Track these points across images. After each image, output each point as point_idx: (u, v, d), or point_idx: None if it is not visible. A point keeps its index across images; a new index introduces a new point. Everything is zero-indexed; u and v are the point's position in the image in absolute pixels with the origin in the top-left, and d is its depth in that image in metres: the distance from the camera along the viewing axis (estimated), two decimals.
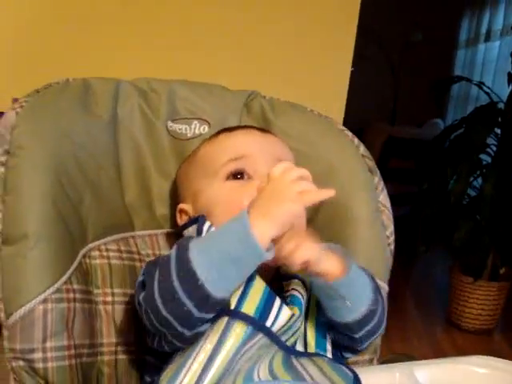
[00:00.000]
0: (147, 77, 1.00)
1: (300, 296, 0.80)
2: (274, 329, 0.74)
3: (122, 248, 0.93)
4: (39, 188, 0.78)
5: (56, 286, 0.76)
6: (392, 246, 0.97)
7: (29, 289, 0.75)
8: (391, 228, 0.98)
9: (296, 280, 0.83)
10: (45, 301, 0.75)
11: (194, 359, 0.70)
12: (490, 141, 2.80)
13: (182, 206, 0.91)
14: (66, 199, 0.82)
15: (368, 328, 0.80)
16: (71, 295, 0.79)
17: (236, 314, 0.71)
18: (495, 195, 2.65)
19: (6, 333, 0.75)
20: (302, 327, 0.82)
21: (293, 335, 0.78)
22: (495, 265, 2.83)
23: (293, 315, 0.75)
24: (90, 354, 0.81)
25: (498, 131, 2.82)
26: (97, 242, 0.88)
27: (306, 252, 0.73)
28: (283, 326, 0.75)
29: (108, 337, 0.85)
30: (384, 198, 0.98)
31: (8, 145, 0.80)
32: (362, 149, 1.00)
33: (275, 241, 0.71)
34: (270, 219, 0.69)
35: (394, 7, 5.03)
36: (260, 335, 0.72)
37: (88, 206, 0.87)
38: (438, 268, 3.83)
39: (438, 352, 2.65)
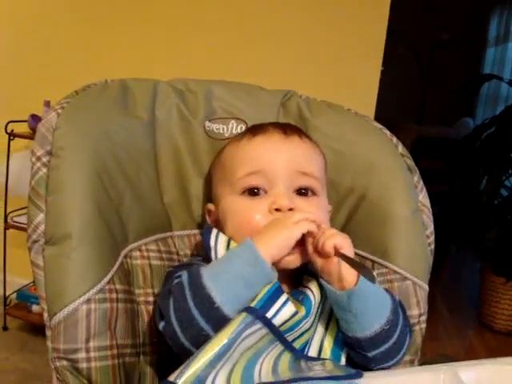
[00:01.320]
0: (184, 77, 1.00)
1: (312, 297, 0.80)
2: (276, 322, 0.73)
3: (162, 248, 0.93)
4: (81, 188, 0.79)
5: (99, 286, 0.77)
6: (432, 246, 0.96)
7: (72, 289, 0.75)
8: (431, 227, 0.96)
9: (316, 282, 0.83)
10: (88, 301, 0.75)
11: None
12: None
13: (209, 205, 0.93)
14: (107, 199, 0.82)
15: (382, 349, 0.78)
16: (114, 295, 0.79)
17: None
18: None
19: (49, 333, 0.76)
20: (319, 334, 0.81)
21: (300, 336, 0.78)
22: None
23: (296, 312, 0.75)
24: (132, 353, 0.82)
25: None
26: (137, 243, 0.89)
27: (337, 238, 0.77)
28: (286, 322, 0.74)
29: (149, 337, 0.85)
30: (424, 197, 0.97)
31: (50, 146, 0.81)
32: (401, 147, 0.98)
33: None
34: (270, 244, 0.75)
35: (423, 7, 4.98)
36: (259, 324, 0.71)
37: (128, 207, 0.87)
38: (469, 268, 3.79)
39: (469, 353, 2.62)
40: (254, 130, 0.90)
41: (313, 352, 0.80)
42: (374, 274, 0.75)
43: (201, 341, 0.69)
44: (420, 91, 5.38)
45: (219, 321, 0.70)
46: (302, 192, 0.86)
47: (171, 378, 0.66)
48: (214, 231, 0.84)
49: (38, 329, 2.44)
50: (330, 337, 0.82)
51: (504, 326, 2.85)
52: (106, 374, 0.77)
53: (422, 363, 0.92)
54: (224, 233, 0.85)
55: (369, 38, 2.15)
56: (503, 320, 2.84)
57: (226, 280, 0.72)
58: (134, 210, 0.88)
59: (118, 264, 0.82)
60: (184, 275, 0.75)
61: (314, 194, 0.87)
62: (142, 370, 0.84)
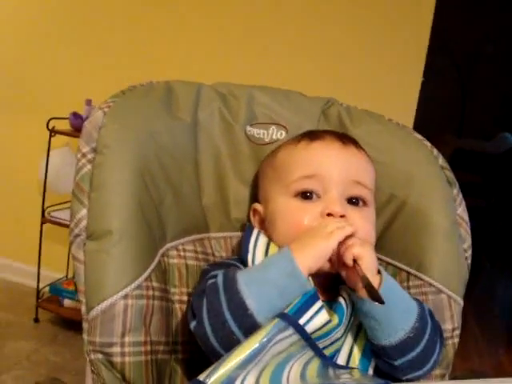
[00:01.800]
0: (227, 82, 1.01)
1: (345, 306, 0.79)
2: (308, 329, 0.73)
3: (198, 249, 0.94)
4: (124, 186, 0.80)
5: (137, 282, 0.78)
6: (469, 260, 0.95)
7: (111, 284, 0.76)
8: (469, 242, 0.95)
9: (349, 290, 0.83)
10: (126, 296, 0.77)
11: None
12: None
13: (256, 205, 0.94)
14: (148, 198, 0.84)
15: (409, 358, 0.77)
16: (150, 292, 0.80)
17: None
18: None
19: (86, 325, 0.77)
20: (349, 343, 0.81)
21: (332, 345, 0.78)
22: None
23: (329, 321, 0.75)
24: (164, 351, 0.83)
25: None
26: (175, 242, 0.90)
27: (356, 248, 0.77)
28: (318, 330, 0.74)
29: (182, 335, 0.86)
30: (462, 210, 0.96)
31: (95, 143, 0.82)
32: (441, 160, 0.98)
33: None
34: (307, 255, 0.75)
35: (466, 18, 4.92)
36: (290, 330, 0.72)
37: (168, 207, 0.88)
38: (503, 285, 3.71)
39: (499, 372, 2.58)
40: (312, 136, 0.91)
41: (341, 360, 0.80)
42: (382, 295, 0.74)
43: (231, 344, 0.70)
44: (460, 104, 5.31)
45: (251, 327, 0.71)
46: (353, 201, 0.86)
47: (201, 378, 0.66)
48: (255, 232, 0.86)
49: (68, 323, 2.48)
50: (359, 346, 0.82)
51: None
52: (138, 369, 0.78)
53: (453, 378, 0.91)
54: (271, 234, 0.87)
55: (410, 49, 2.14)
56: None
57: (261, 288, 0.73)
58: (173, 211, 0.89)
59: (155, 262, 0.83)
60: (220, 277, 0.76)
61: (364, 204, 0.87)
62: (173, 367, 0.85)
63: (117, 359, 0.77)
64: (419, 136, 1.00)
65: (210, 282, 0.77)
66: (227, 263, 0.86)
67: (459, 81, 5.22)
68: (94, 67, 2.60)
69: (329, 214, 0.82)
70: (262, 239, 0.85)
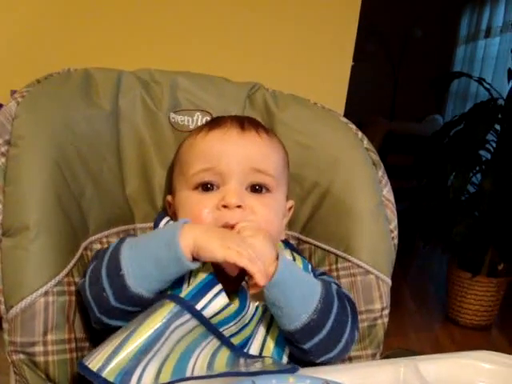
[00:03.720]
0: (149, 68, 0.98)
1: (248, 292, 0.78)
2: (207, 313, 0.73)
3: None
4: (40, 179, 0.77)
5: (57, 278, 0.76)
6: (396, 240, 0.96)
7: (30, 281, 0.74)
8: (395, 222, 0.97)
9: None
10: (46, 293, 0.74)
11: (117, 335, 0.69)
12: (490, 137, 2.80)
13: (168, 197, 0.94)
14: (67, 190, 0.81)
15: (316, 341, 0.77)
16: (72, 288, 0.78)
17: (166, 296, 0.73)
18: (494, 191, 2.65)
19: (6, 326, 0.75)
20: (262, 332, 0.80)
21: (240, 332, 0.77)
22: (493, 261, 2.83)
23: (229, 304, 0.74)
24: (91, 347, 0.81)
25: (498, 127, 2.82)
26: (98, 235, 0.88)
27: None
28: (218, 313, 0.73)
29: (109, 330, 0.84)
30: (388, 191, 0.97)
31: (9, 135, 0.79)
32: (366, 142, 0.99)
33: None
34: (198, 238, 0.72)
35: (395, 3, 5.01)
36: (187, 315, 0.71)
37: (89, 198, 0.86)
38: (436, 263, 3.84)
39: (436, 347, 2.66)
40: (211, 124, 0.90)
41: (254, 349, 0.79)
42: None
43: (102, 301, 0.72)
44: (391, 87, 5.42)
45: (121, 288, 0.71)
46: (256, 189, 0.85)
47: (93, 367, 0.64)
48: (166, 218, 0.86)
49: None
50: (272, 335, 0.81)
51: (469, 320, 2.89)
52: (63, 367, 0.76)
53: (384, 357, 0.92)
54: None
55: (339, 33, 2.15)
56: (469, 315, 2.89)
57: (139, 253, 0.73)
58: (95, 202, 0.87)
59: (77, 256, 0.81)
60: (113, 243, 0.78)
61: (268, 190, 0.86)
62: None
63: (40, 359, 0.75)
64: (344, 119, 1.00)
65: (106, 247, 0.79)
66: None
67: (390, 64, 5.32)
68: (16, 57, 2.50)
69: (225, 206, 0.81)
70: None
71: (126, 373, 0.65)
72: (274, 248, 0.78)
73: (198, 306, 0.72)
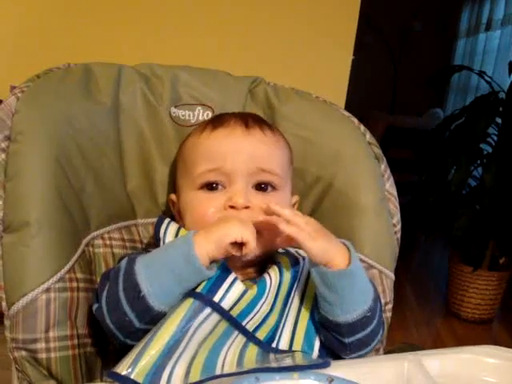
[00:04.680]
0: (150, 62, 0.98)
1: (268, 279, 0.78)
2: (226, 304, 0.73)
3: (125, 236, 0.92)
4: (40, 174, 0.77)
5: (59, 274, 0.75)
6: (398, 235, 0.96)
7: (31, 278, 0.74)
8: (398, 216, 0.96)
9: (276, 268, 0.81)
10: (48, 290, 0.74)
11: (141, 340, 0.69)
12: (491, 130, 2.79)
13: (172, 196, 0.92)
14: (68, 186, 0.81)
15: (360, 336, 0.77)
16: (74, 284, 0.78)
17: (186, 294, 0.72)
18: (495, 185, 2.64)
19: (7, 322, 0.75)
20: (290, 324, 0.80)
21: (263, 323, 0.77)
22: (494, 255, 2.83)
23: (246, 291, 0.74)
24: (94, 343, 0.80)
25: (499, 121, 2.81)
26: (100, 231, 0.87)
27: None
28: (237, 303, 0.73)
29: None
30: (390, 185, 0.97)
31: (9, 130, 0.79)
32: (368, 136, 0.98)
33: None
34: (209, 239, 0.73)
35: None
36: (207, 310, 0.71)
37: (90, 194, 0.85)
38: (438, 257, 3.83)
39: (437, 341, 2.66)
40: (215, 122, 0.89)
41: (284, 342, 0.78)
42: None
43: (125, 326, 0.71)
44: (392, 81, 5.41)
45: (143, 310, 0.70)
46: (262, 187, 0.85)
47: (121, 371, 0.65)
48: (166, 221, 0.84)
49: None
50: (301, 326, 0.80)
51: (471, 314, 2.89)
52: (66, 364, 0.76)
53: (388, 352, 0.92)
54: (183, 226, 0.85)
55: (340, 27, 2.14)
56: (470, 308, 2.88)
57: (156, 271, 0.72)
58: (96, 198, 0.86)
59: (79, 252, 0.80)
60: (124, 259, 0.75)
61: (273, 188, 0.86)
62: (104, 359, 0.83)
63: (42, 355, 0.75)
64: (346, 113, 1.00)
65: (116, 266, 0.76)
66: (141, 253, 0.83)
67: (390, 58, 5.31)
68: (16, 52, 2.49)
69: (232, 207, 0.81)
70: (173, 226, 0.83)
71: (155, 373, 0.65)
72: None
73: (216, 298, 0.72)
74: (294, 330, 0.80)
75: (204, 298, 0.71)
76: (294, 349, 0.78)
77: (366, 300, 0.77)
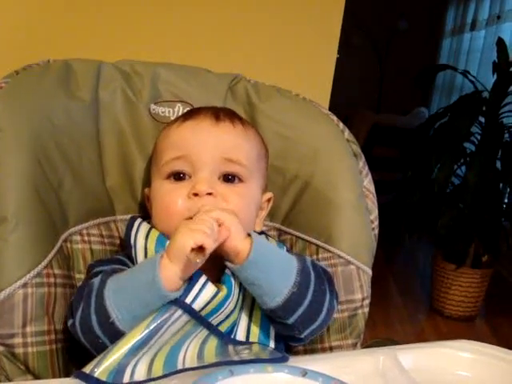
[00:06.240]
0: (130, 59, 0.98)
1: (232, 277, 0.78)
2: (197, 305, 0.73)
3: (104, 233, 0.92)
4: (18, 170, 0.77)
5: (36, 270, 0.75)
6: (376, 231, 0.96)
7: (8, 273, 0.74)
8: (375, 213, 0.97)
9: None
10: (25, 285, 0.74)
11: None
12: (474, 129, 2.82)
13: (146, 190, 0.93)
14: (45, 182, 0.81)
15: (300, 312, 0.76)
16: (52, 280, 0.78)
17: None
18: (479, 183, 2.66)
19: None
20: (245, 316, 0.81)
21: (227, 319, 0.78)
22: (478, 252, 2.85)
23: (217, 292, 0.74)
24: (71, 338, 0.80)
25: (482, 120, 2.83)
26: (78, 227, 0.87)
27: (216, 213, 0.75)
28: (208, 303, 0.74)
29: None
30: (368, 182, 0.97)
31: None
32: (347, 133, 0.99)
33: None
34: (172, 259, 0.71)
35: None
36: (179, 311, 0.71)
37: (68, 190, 0.85)
38: (422, 255, 3.86)
39: (420, 338, 2.68)
40: (186, 115, 0.89)
41: (241, 335, 0.79)
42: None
43: (99, 347, 0.70)
44: (377, 80, 5.43)
45: (114, 334, 0.70)
46: (229, 178, 0.85)
47: (87, 370, 0.66)
48: (137, 223, 0.85)
49: None
50: (255, 319, 0.81)
51: (454, 311, 2.91)
52: (43, 359, 0.76)
53: (366, 347, 0.93)
54: (153, 218, 0.86)
55: (324, 25, 2.14)
56: (453, 306, 2.91)
57: (124, 297, 0.71)
58: (74, 194, 0.86)
59: (56, 248, 0.80)
60: (97, 279, 0.75)
61: (240, 180, 0.86)
62: (81, 354, 0.83)
63: (19, 350, 0.75)
64: (325, 110, 1.00)
65: (90, 281, 0.75)
66: (114, 259, 0.84)
67: (376, 57, 5.33)
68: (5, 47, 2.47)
69: (195, 194, 0.81)
70: (143, 230, 0.83)
71: (118, 371, 0.66)
72: (240, 224, 0.77)
73: (188, 300, 0.72)
74: (250, 321, 0.81)
75: (176, 300, 0.71)
76: (251, 339, 0.79)
77: (288, 277, 0.76)
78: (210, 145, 0.84)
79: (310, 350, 0.92)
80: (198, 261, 0.69)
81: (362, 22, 4.73)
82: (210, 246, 0.70)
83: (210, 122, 0.86)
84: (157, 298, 0.71)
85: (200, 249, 0.70)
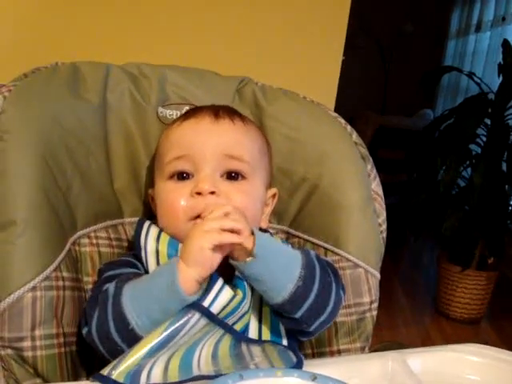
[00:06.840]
0: (138, 62, 0.98)
1: (243, 280, 0.77)
2: (214, 309, 0.73)
3: (112, 235, 0.92)
4: (27, 173, 0.77)
5: (45, 273, 0.75)
6: (384, 234, 0.96)
7: (17, 276, 0.74)
8: (383, 216, 0.97)
9: None
10: (34, 288, 0.74)
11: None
12: (480, 131, 2.81)
13: (150, 191, 0.93)
14: (54, 185, 0.81)
15: (307, 306, 0.75)
16: (60, 283, 0.78)
17: None
18: (484, 185, 2.66)
19: None
20: (256, 315, 0.81)
21: (240, 319, 0.77)
22: (483, 254, 2.84)
23: (234, 296, 0.74)
24: (79, 342, 0.80)
25: (488, 122, 2.83)
26: (86, 230, 0.87)
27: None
28: (225, 307, 0.74)
29: None
30: (376, 185, 0.97)
31: None
32: (355, 136, 0.98)
33: None
34: (189, 263, 0.72)
35: None
36: (196, 314, 0.71)
37: (77, 193, 0.85)
38: (427, 257, 3.86)
39: (426, 340, 2.68)
40: (186, 114, 0.90)
41: (253, 333, 0.79)
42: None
43: (118, 353, 0.70)
44: (382, 82, 5.43)
45: (134, 340, 0.70)
46: (232, 176, 0.84)
47: (104, 372, 0.66)
48: (146, 225, 0.84)
49: None
50: (265, 316, 0.81)
51: (459, 313, 2.91)
52: (52, 362, 0.76)
53: (374, 350, 0.93)
54: (159, 220, 0.86)
55: (330, 27, 2.14)
56: (459, 308, 2.90)
57: (142, 303, 0.71)
58: (82, 197, 0.86)
59: (65, 251, 0.81)
60: (111, 286, 0.75)
61: (243, 177, 0.85)
62: (90, 358, 0.83)
63: (28, 354, 0.75)
64: (333, 113, 1.00)
65: (104, 287, 0.75)
66: (123, 262, 0.84)
67: (381, 59, 5.33)
68: (2, 50, 2.48)
69: (198, 193, 0.80)
70: (153, 232, 0.83)
71: (135, 373, 0.66)
72: (247, 221, 0.76)
73: (205, 303, 0.72)
74: (260, 320, 0.81)
75: (193, 303, 0.71)
76: (263, 336, 0.79)
77: (293, 271, 0.75)
78: (210, 142, 0.84)
79: (319, 354, 0.92)
80: (218, 260, 0.72)
81: (368, 24, 4.73)
82: (230, 241, 0.72)
83: (209, 120, 0.86)
84: (176, 302, 0.71)
85: (217, 247, 0.71)
